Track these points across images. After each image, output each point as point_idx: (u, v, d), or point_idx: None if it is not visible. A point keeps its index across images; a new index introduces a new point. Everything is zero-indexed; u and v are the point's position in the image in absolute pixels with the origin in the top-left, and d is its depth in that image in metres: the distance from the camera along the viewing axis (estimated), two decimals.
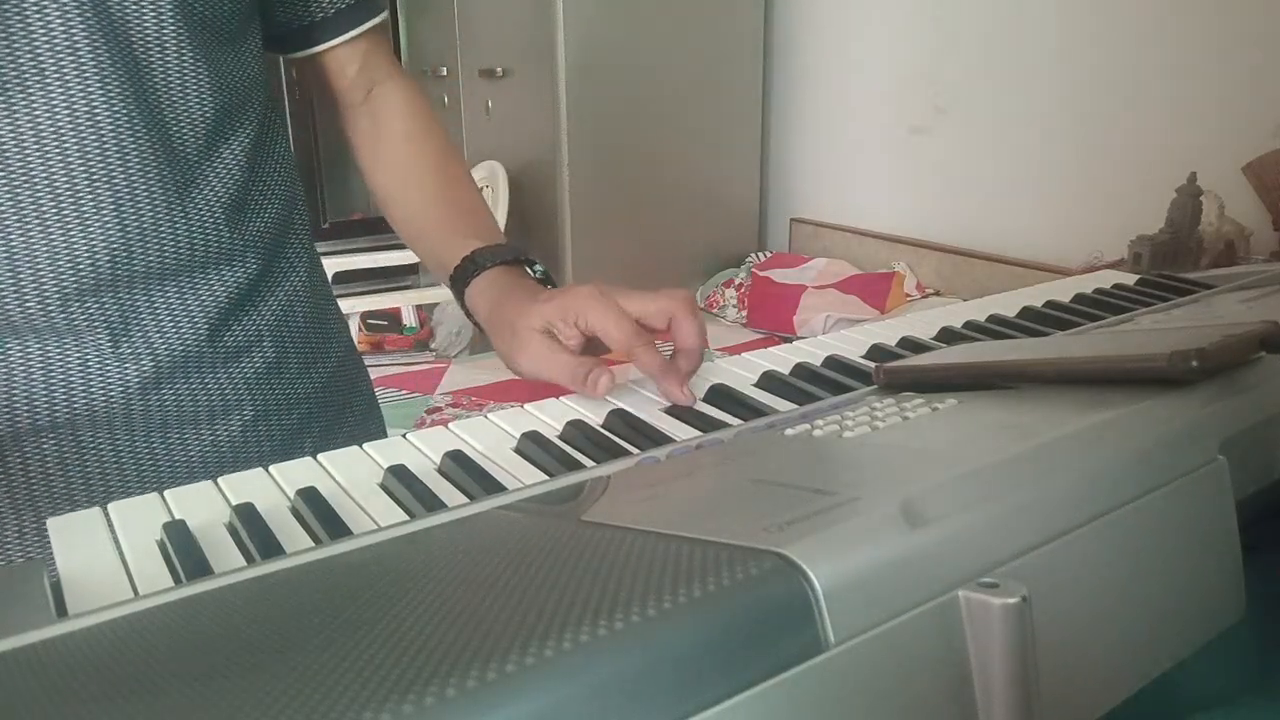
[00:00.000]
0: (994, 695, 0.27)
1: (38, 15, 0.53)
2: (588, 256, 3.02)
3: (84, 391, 0.59)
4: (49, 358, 0.58)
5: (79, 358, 0.59)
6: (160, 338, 0.61)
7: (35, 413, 0.59)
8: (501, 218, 3.12)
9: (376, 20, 0.75)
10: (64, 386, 0.59)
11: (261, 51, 0.69)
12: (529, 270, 0.67)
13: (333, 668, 0.23)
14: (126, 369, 0.60)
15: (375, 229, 3.47)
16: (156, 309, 0.61)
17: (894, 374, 0.49)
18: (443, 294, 3.07)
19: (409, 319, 3.15)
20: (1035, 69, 2.44)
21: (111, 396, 0.60)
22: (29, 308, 0.57)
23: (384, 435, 0.51)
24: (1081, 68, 2.33)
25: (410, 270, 3.51)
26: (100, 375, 0.60)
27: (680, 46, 3.00)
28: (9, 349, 0.58)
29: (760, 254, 3.25)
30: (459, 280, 0.67)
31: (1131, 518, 0.33)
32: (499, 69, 3.17)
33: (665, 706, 0.23)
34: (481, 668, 0.22)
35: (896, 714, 0.26)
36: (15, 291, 0.56)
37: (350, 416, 0.76)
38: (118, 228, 0.57)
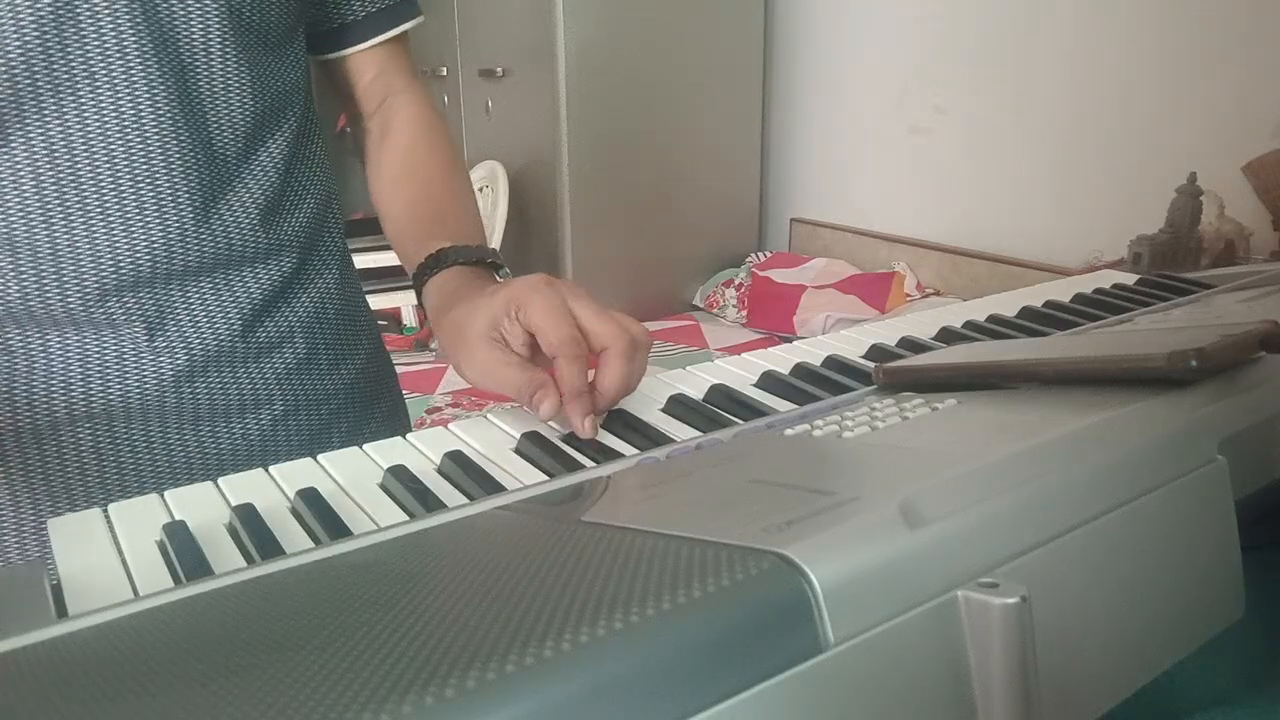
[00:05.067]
0: (994, 695, 0.27)
1: (90, 20, 0.54)
2: (588, 256, 3.02)
3: (120, 383, 0.61)
4: (86, 349, 0.60)
5: (116, 350, 0.60)
6: (195, 332, 0.62)
7: (72, 403, 0.60)
8: (501, 218, 3.12)
9: (403, 27, 0.75)
10: (100, 377, 0.60)
11: (304, 57, 0.69)
12: (496, 275, 0.63)
13: (333, 668, 0.23)
14: (161, 362, 0.61)
15: (375, 229, 3.46)
16: (191, 304, 0.62)
17: (894, 374, 0.49)
18: None
19: (409, 319, 3.14)
20: (1035, 69, 2.44)
21: (146, 388, 0.61)
22: (70, 302, 0.58)
23: (409, 431, 0.51)
24: (1081, 68, 2.34)
25: None
26: (136, 367, 0.61)
27: (680, 47, 3.00)
28: (49, 340, 0.59)
29: (760, 254, 3.25)
30: (419, 276, 0.63)
31: (1131, 518, 0.33)
32: (499, 69, 3.17)
33: (665, 706, 0.23)
34: (481, 668, 0.22)
35: (896, 714, 0.26)
36: (58, 286, 0.57)
37: (377, 412, 0.76)
38: (159, 227, 0.59)
